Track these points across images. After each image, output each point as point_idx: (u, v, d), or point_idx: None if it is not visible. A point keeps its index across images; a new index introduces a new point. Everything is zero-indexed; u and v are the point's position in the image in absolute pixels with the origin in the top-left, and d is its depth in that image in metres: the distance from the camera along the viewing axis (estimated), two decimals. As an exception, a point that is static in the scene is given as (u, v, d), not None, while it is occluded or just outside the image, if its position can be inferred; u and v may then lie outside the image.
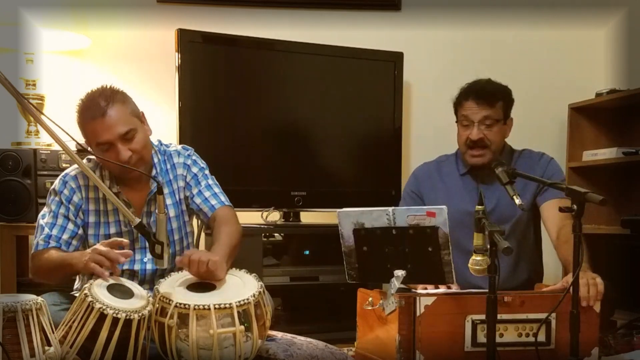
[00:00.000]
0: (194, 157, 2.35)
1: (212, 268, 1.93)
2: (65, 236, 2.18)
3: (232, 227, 2.21)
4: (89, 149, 2.23)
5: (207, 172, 2.34)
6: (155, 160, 2.28)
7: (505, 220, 2.49)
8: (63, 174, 2.26)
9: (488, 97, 2.51)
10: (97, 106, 2.09)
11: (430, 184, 2.64)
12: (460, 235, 2.37)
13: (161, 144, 2.34)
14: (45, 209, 2.24)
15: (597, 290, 2.05)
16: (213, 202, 2.27)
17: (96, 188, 2.20)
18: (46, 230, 2.17)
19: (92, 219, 2.22)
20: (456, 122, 2.60)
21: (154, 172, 2.26)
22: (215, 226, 2.22)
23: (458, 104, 2.58)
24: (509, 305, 2.04)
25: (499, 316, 1.92)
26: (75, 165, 2.22)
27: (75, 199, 2.21)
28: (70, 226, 2.19)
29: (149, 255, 2.14)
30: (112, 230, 2.22)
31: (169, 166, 2.30)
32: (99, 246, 1.96)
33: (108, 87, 2.16)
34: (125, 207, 2.18)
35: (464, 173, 2.62)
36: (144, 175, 2.18)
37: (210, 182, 2.32)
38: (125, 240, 2.01)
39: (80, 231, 2.21)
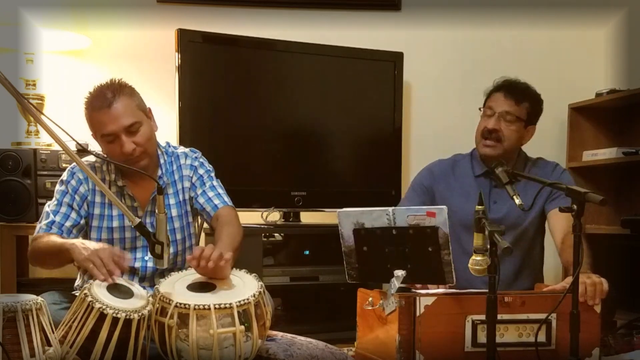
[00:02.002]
0: (201, 160, 2.38)
1: (224, 266, 1.92)
2: (67, 223, 2.21)
3: (235, 228, 2.23)
4: (89, 148, 2.25)
5: (212, 174, 2.38)
6: (162, 160, 2.31)
7: (515, 226, 2.48)
8: (72, 165, 2.29)
9: (516, 94, 2.53)
10: (103, 98, 2.13)
11: (445, 182, 2.62)
12: (470, 239, 2.35)
13: (169, 146, 2.38)
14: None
15: (595, 289, 2.04)
16: (216, 201, 2.30)
17: (104, 180, 2.25)
18: (50, 216, 2.22)
19: (96, 211, 2.25)
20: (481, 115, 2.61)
21: (159, 172, 2.29)
22: (218, 226, 2.24)
23: (487, 96, 2.59)
24: (510, 305, 2.04)
25: (499, 316, 1.92)
26: (86, 157, 2.26)
27: (82, 189, 2.24)
28: (74, 215, 2.22)
29: (149, 254, 2.15)
30: (115, 223, 2.25)
31: (175, 167, 2.33)
32: (104, 252, 1.95)
33: (116, 80, 2.20)
34: (130, 200, 2.25)
35: (479, 174, 2.59)
36: (148, 170, 2.21)
37: (215, 183, 2.35)
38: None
39: (83, 222, 2.24)
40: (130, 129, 2.14)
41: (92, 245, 2.01)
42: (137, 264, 2.25)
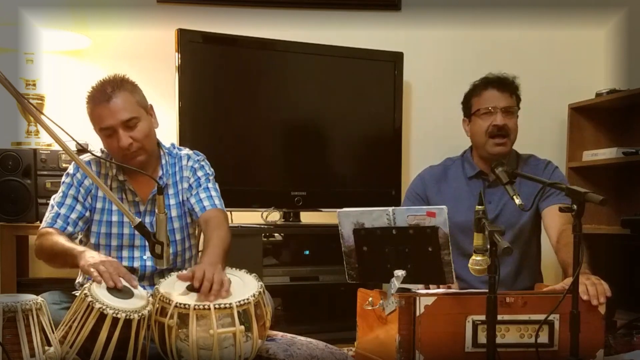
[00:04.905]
0: (202, 163, 2.40)
1: (222, 288, 1.91)
2: (73, 215, 2.23)
3: (224, 231, 2.23)
4: (89, 148, 2.25)
5: (211, 177, 2.38)
6: (163, 161, 2.33)
7: (510, 226, 2.48)
8: None
9: (508, 87, 2.55)
10: (103, 92, 2.16)
11: (437, 188, 2.62)
12: (466, 241, 2.37)
13: (174, 147, 2.41)
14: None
15: (596, 290, 2.04)
16: (205, 203, 2.30)
17: (106, 175, 2.27)
18: (55, 208, 2.24)
19: (99, 204, 2.27)
20: (468, 117, 2.60)
21: (160, 172, 2.30)
22: (207, 228, 2.23)
23: (475, 96, 2.58)
24: (511, 306, 2.03)
25: (500, 317, 1.92)
26: (88, 154, 2.29)
27: (87, 182, 2.26)
28: (79, 207, 2.24)
29: (148, 253, 2.15)
30: (114, 218, 2.26)
31: (177, 168, 2.35)
32: (110, 264, 1.94)
33: (119, 75, 2.22)
34: (132, 195, 2.28)
35: (471, 176, 2.59)
36: (148, 167, 2.24)
37: (210, 185, 2.35)
38: (135, 283, 1.98)
39: (88, 214, 2.26)
40: (128, 123, 2.16)
41: (100, 256, 2.02)
42: (136, 264, 2.26)
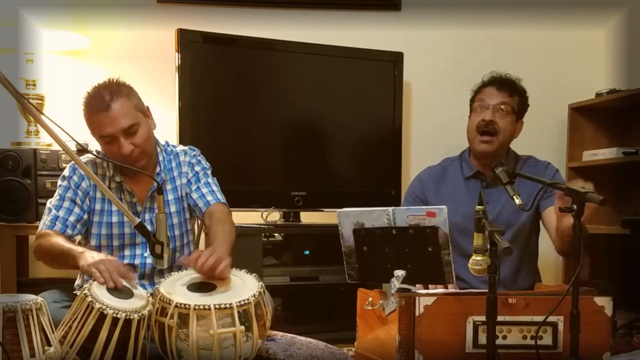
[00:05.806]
0: (199, 157, 2.41)
1: (223, 270, 1.94)
2: (71, 218, 2.22)
3: (229, 225, 2.25)
4: (89, 148, 2.25)
5: (209, 172, 2.40)
6: (160, 158, 2.33)
7: (508, 226, 2.47)
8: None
9: (509, 86, 2.55)
10: (101, 99, 2.14)
11: (435, 189, 2.63)
12: (465, 241, 2.37)
13: (168, 145, 2.41)
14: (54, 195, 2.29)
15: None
16: (209, 198, 2.32)
17: (104, 176, 2.26)
18: (53, 211, 2.23)
19: (97, 206, 2.26)
20: (469, 114, 2.60)
21: (157, 169, 2.30)
22: (212, 223, 2.25)
23: (477, 92, 2.60)
24: (513, 307, 2.02)
25: (502, 318, 1.92)
26: (87, 155, 2.28)
27: (84, 185, 2.26)
28: (77, 210, 2.24)
29: (149, 253, 2.15)
30: (115, 218, 2.26)
31: (174, 164, 2.36)
32: (110, 263, 1.95)
33: (114, 80, 2.21)
34: (129, 196, 2.27)
35: (468, 176, 2.60)
36: (147, 168, 2.24)
37: (209, 180, 2.37)
38: (133, 275, 1.99)
39: (86, 216, 2.25)
40: (128, 130, 2.16)
41: (99, 255, 2.02)
42: (137, 261, 2.27)
